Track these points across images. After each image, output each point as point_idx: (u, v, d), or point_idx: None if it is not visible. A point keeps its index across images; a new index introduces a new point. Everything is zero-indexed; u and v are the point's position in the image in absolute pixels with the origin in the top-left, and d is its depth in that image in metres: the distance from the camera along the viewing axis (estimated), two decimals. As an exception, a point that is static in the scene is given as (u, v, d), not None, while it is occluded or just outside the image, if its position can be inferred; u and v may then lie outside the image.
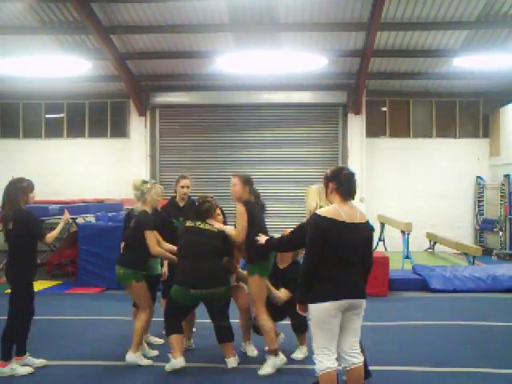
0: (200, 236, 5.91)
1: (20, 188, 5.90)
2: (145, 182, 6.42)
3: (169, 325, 5.99)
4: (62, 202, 12.89)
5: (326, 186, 4.66)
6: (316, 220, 4.44)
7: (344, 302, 4.39)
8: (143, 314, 6.19)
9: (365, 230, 4.60)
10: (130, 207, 7.52)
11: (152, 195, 6.30)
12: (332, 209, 4.48)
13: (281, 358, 5.93)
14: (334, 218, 4.40)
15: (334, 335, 4.45)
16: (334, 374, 4.45)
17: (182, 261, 5.96)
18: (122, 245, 6.55)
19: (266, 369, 5.84)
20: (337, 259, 4.39)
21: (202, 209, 6.02)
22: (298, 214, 14.34)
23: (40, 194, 14.51)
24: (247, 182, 6.03)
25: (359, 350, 4.60)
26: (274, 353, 5.89)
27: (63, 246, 12.92)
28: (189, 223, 6.04)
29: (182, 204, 7.31)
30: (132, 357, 6.12)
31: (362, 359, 4.59)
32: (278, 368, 5.88)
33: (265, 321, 5.88)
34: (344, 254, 4.40)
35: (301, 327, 6.27)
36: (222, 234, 5.94)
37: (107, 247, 10.21)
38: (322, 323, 4.41)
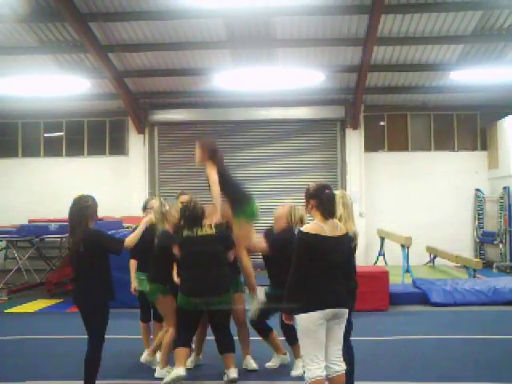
0: (202, 244, 5.90)
1: (86, 207, 5.56)
2: (163, 204, 6.57)
3: (179, 337, 6.01)
4: (61, 220, 12.85)
5: (307, 201, 4.80)
6: (301, 236, 4.66)
7: (329, 312, 4.56)
8: (171, 328, 6.25)
9: (345, 241, 4.81)
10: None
11: (173, 214, 6.46)
12: (315, 225, 4.67)
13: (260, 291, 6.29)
14: (318, 233, 4.59)
15: (321, 344, 4.59)
16: (323, 382, 4.60)
17: (185, 270, 5.95)
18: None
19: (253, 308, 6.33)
20: (322, 271, 4.58)
21: (197, 214, 6.02)
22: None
23: (40, 213, 14.78)
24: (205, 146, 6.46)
25: (342, 358, 4.73)
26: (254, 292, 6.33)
27: (63, 264, 12.87)
28: (187, 232, 6.01)
29: None
30: (160, 373, 6.20)
31: (345, 367, 4.72)
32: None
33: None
34: (328, 266, 4.60)
35: (292, 338, 6.22)
36: (220, 231, 6.02)
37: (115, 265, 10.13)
38: (309, 332, 4.55)
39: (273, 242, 6.23)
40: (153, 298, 6.43)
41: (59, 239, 12.97)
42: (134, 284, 6.89)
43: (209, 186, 6.22)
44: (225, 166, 6.47)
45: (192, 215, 6.03)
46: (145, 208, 7.17)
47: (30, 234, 12.21)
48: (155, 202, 6.58)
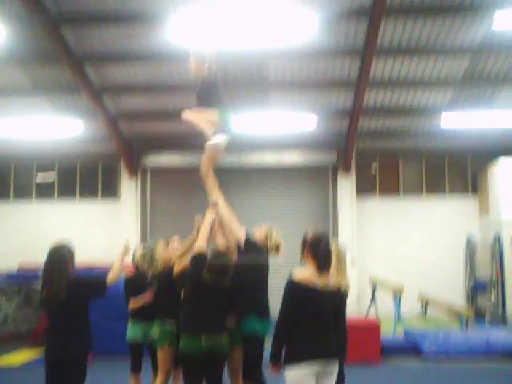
0: (211, 292, 5.75)
1: (63, 255, 5.41)
2: (143, 254, 6.72)
3: None
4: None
5: (303, 248, 4.71)
6: (292, 284, 4.53)
7: (318, 363, 4.41)
8: (160, 375, 6.18)
9: (337, 294, 4.72)
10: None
11: (158, 254, 6.55)
12: (307, 273, 4.57)
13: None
14: (309, 283, 4.49)
15: None
16: None
17: (189, 310, 5.79)
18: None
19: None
20: (311, 322, 4.46)
21: (225, 267, 5.81)
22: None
23: (30, 257, 14.59)
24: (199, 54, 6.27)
25: None
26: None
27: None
28: (206, 275, 5.71)
29: None
30: None
31: None
32: None
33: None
34: (318, 317, 4.48)
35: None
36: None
37: (98, 313, 9.95)
38: None
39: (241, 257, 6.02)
40: (160, 344, 6.27)
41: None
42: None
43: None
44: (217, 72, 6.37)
45: (220, 266, 5.88)
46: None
47: (19, 282, 11.97)
48: (136, 257, 6.66)
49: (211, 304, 5.70)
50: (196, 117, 6.15)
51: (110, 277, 5.54)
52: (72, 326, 5.27)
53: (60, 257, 5.37)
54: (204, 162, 6.13)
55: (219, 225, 6.35)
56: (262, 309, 5.91)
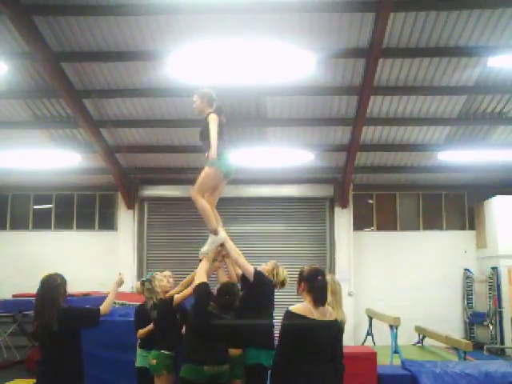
0: (215, 324, 5.74)
1: (56, 286, 5.45)
2: (143, 282, 6.93)
3: None
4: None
5: (299, 283, 4.77)
6: (288, 317, 4.57)
7: None
8: None
9: (334, 327, 4.73)
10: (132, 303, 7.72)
11: (158, 284, 6.81)
12: (304, 307, 4.60)
13: (220, 236, 6.22)
14: (306, 315, 4.52)
15: None
16: None
17: (192, 340, 5.77)
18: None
19: (206, 247, 6.18)
20: (308, 355, 4.47)
21: (232, 300, 5.88)
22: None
23: (25, 287, 14.54)
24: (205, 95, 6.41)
25: None
26: (215, 232, 6.20)
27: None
28: (212, 309, 5.80)
29: None
30: None
31: None
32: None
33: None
34: (315, 350, 4.50)
35: None
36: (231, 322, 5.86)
37: (94, 343, 9.89)
38: None
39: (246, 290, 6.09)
40: (157, 372, 6.35)
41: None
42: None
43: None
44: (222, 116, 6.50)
45: (227, 298, 5.87)
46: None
47: (13, 310, 11.95)
48: (136, 284, 6.74)
49: (214, 335, 5.71)
50: (205, 202, 6.25)
51: (103, 307, 5.64)
52: (63, 357, 5.28)
53: (52, 287, 5.41)
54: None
55: (226, 259, 6.46)
56: (267, 340, 5.93)
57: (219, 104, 6.56)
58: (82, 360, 5.52)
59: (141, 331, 6.85)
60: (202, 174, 6.30)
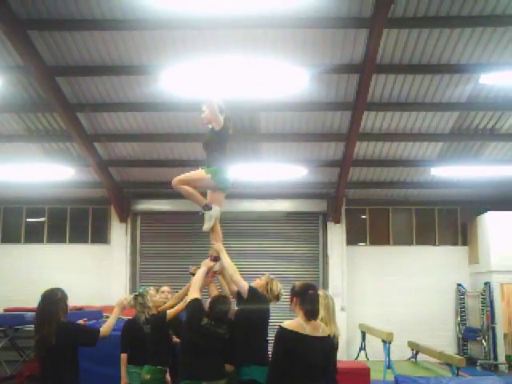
0: (210, 338, 5.72)
1: (56, 301, 5.42)
2: (135, 296, 6.90)
3: None
4: (38, 309, 12.56)
5: (291, 299, 4.76)
6: (280, 333, 4.54)
7: None
8: None
9: (327, 342, 4.70)
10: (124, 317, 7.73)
11: (151, 299, 6.88)
12: (296, 323, 4.58)
13: (215, 209, 6.23)
14: (298, 331, 4.50)
15: None
16: None
17: (189, 356, 5.73)
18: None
19: (206, 224, 6.26)
20: (300, 371, 4.44)
21: (222, 312, 5.88)
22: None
23: (17, 301, 14.46)
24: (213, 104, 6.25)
25: None
26: (207, 207, 6.24)
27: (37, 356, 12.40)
28: (206, 322, 5.75)
29: None
30: None
31: None
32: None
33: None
34: (307, 366, 4.47)
35: None
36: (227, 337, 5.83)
37: (85, 357, 9.83)
38: None
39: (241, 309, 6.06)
40: None
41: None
42: (125, 380, 6.81)
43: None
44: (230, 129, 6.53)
45: (220, 312, 5.85)
46: None
47: (4, 324, 11.86)
48: (128, 298, 6.65)
49: (210, 350, 5.68)
50: (186, 186, 6.21)
51: (104, 329, 5.62)
52: (61, 372, 5.26)
53: (52, 301, 5.39)
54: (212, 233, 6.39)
55: (220, 274, 6.45)
56: (260, 356, 5.91)
57: (228, 115, 6.51)
58: (79, 376, 5.51)
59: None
60: (195, 172, 6.35)
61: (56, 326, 5.28)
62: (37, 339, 5.37)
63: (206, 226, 6.29)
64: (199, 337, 5.68)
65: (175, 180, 6.21)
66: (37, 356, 5.58)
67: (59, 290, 5.55)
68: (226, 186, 6.37)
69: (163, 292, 7.60)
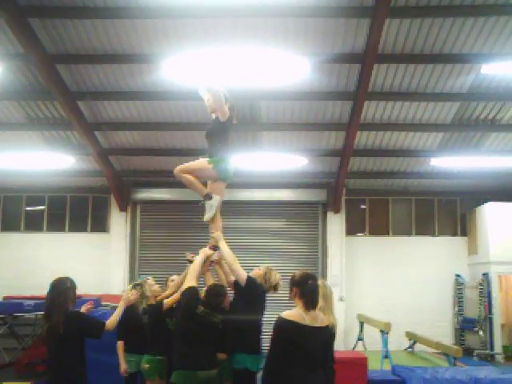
0: (204, 327, 5.75)
1: (65, 290, 5.48)
2: (134, 286, 6.91)
3: None
4: (38, 297, 12.54)
5: (291, 288, 4.79)
6: (279, 322, 4.57)
7: None
8: None
9: (325, 332, 4.74)
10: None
11: (149, 289, 6.96)
12: (295, 312, 4.61)
13: (215, 198, 6.27)
14: (297, 321, 4.53)
15: None
16: None
17: (182, 345, 5.74)
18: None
19: (207, 214, 6.27)
20: (299, 360, 4.48)
21: (218, 301, 5.91)
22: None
23: (16, 289, 14.50)
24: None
25: None
26: (208, 197, 6.27)
27: (35, 343, 12.40)
28: (202, 310, 5.76)
29: None
30: None
31: None
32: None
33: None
34: (306, 356, 4.50)
35: None
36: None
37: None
38: None
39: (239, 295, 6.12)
40: (150, 377, 6.46)
41: (34, 316, 12.65)
42: (124, 366, 6.86)
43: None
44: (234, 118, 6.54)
45: (216, 301, 5.89)
46: None
47: (4, 312, 11.88)
48: (127, 290, 6.81)
49: (204, 339, 5.71)
50: (188, 175, 6.23)
51: (109, 323, 5.69)
52: (67, 361, 5.33)
53: (61, 290, 5.44)
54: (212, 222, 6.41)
55: (218, 263, 6.46)
56: (253, 345, 5.95)
57: (232, 104, 6.48)
58: (85, 365, 5.56)
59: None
60: (197, 162, 6.33)
61: (64, 315, 5.32)
62: (45, 328, 5.42)
63: (207, 216, 6.29)
64: (194, 325, 5.69)
65: (177, 169, 6.21)
66: (46, 344, 5.61)
67: (68, 279, 5.59)
68: (227, 176, 6.37)
69: (173, 281, 7.55)
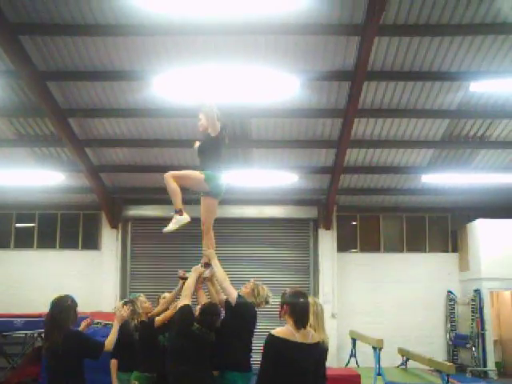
0: (199, 344, 5.71)
1: (66, 308, 5.39)
2: (125, 303, 6.76)
3: None
4: (28, 315, 12.40)
5: (281, 306, 4.72)
6: (270, 340, 4.50)
7: None
8: None
9: (317, 350, 4.67)
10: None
11: (141, 306, 6.92)
12: (286, 330, 4.54)
13: (185, 217, 6.20)
14: (288, 338, 4.47)
15: None
16: None
17: (177, 364, 5.66)
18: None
19: (169, 226, 6.20)
20: (290, 378, 4.41)
21: (213, 320, 5.86)
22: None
23: (6, 307, 14.36)
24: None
25: None
26: (180, 213, 6.21)
27: (25, 362, 12.23)
28: (197, 328, 5.72)
29: None
30: None
31: None
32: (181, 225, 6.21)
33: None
34: (297, 374, 4.43)
35: None
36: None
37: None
38: None
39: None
40: None
41: (23, 335, 12.52)
42: None
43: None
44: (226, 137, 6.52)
45: (211, 319, 5.84)
46: None
47: (-7, 331, 11.75)
48: (118, 306, 6.63)
49: (199, 356, 5.66)
50: (175, 184, 6.19)
51: (108, 343, 5.60)
52: (66, 380, 5.25)
53: (62, 309, 5.37)
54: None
55: (210, 281, 6.43)
56: (244, 363, 5.91)
57: (225, 123, 6.49)
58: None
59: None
60: (191, 170, 6.34)
61: (63, 334, 5.26)
62: (46, 347, 5.37)
63: (168, 228, 6.25)
64: (189, 342, 5.65)
65: (169, 173, 6.22)
66: (46, 362, 5.56)
67: (69, 297, 5.53)
68: (218, 192, 6.37)
69: (164, 298, 7.52)
